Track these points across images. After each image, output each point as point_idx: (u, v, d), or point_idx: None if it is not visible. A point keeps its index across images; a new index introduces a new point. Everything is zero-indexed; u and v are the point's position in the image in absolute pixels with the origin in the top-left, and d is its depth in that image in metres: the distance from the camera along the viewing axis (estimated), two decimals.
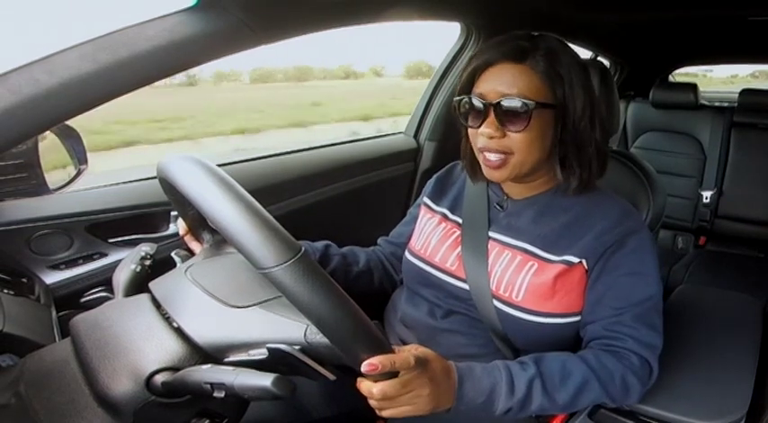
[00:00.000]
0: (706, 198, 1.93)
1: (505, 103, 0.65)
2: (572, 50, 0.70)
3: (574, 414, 0.72)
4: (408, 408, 0.55)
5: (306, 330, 0.51)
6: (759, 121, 1.91)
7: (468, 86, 0.70)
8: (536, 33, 0.69)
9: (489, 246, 0.74)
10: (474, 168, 0.76)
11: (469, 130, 0.71)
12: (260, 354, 0.51)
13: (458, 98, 0.70)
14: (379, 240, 0.95)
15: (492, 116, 0.66)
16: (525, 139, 0.66)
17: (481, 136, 0.67)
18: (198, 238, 0.70)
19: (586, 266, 0.69)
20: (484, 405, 0.60)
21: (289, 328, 0.51)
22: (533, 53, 0.66)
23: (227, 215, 0.46)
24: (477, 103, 0.67)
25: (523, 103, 0.64)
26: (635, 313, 0.66)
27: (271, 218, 0.47)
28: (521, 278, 0.69)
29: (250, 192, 0.49)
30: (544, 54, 0.66)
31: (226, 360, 0.52)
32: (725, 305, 0.95)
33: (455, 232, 0.78)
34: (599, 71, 0.80)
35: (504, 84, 0.66)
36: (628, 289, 0.67)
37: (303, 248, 0.46)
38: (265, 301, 0.54)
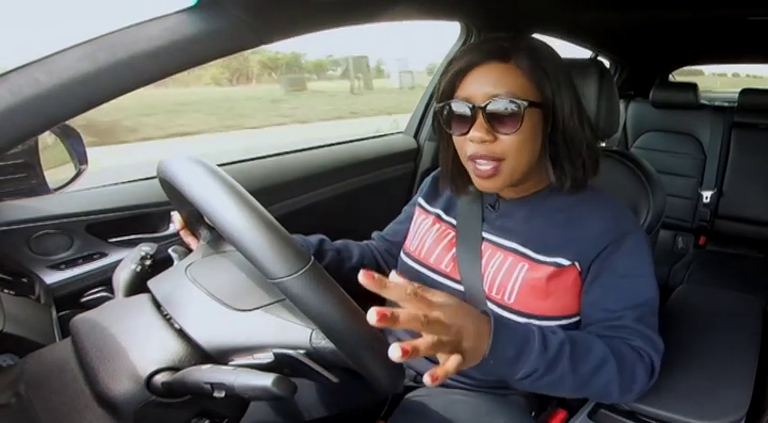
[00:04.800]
0: (706, 198, 1.93)
1: (496, 103, 0.62)
2: (554, 50, 0.68)
3: (573, 414, 0.72)
4: (452, 350, 0.48)
5: (311, 335, 0.51)
6: (759, 121, 1.91)
7: (449, 92, 0.66)
8: (513, 35, 0.67)
9: (483, 247, 0.73)
10: (456, 182, 0.75)
11: (456, 139, 0.68)
12: (265, 357, 0.51)
13: (440, 105, 0.67)
14: (374, 234, 0.94)
15: (481, 119, 0.63)
16: (517, 142, 0.64)
17: (471, 143, 0.64)
18: (194, 234, 0.70)
19: (579, 268, 0.68)
20: (513, 360, 0.54)
21: (293, 333, 0.51)
22: (516, 52, 0.64)
23: (235, 225, 0.46)
24: (463, 107, 0.64)
25: (515, 102, 0.62)
26: (636, 316, 0.65)
27: (279, 226, 0.48)
28: (512, 280, 0.68)
29: (250, 192, 0.49)
30: (527, 52, 0.64)
31: (230, 363, 0.52)
32: (725, 305, 0.95)
33: (450, 233, 0.77)
34: (599, 71, 0.80)
35: (491, 84, 0.63)
36: (626, 291, 0.66)
37: (313, 259, 0.46)
38: (268, 304, 0.54)
